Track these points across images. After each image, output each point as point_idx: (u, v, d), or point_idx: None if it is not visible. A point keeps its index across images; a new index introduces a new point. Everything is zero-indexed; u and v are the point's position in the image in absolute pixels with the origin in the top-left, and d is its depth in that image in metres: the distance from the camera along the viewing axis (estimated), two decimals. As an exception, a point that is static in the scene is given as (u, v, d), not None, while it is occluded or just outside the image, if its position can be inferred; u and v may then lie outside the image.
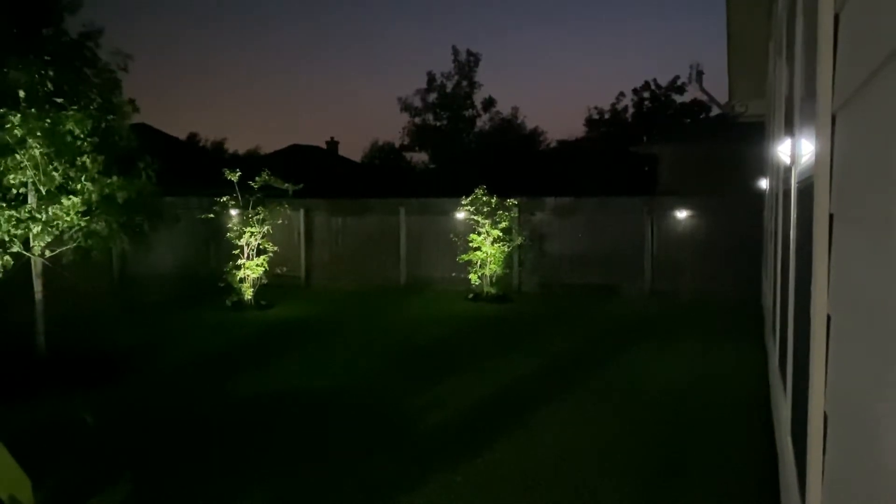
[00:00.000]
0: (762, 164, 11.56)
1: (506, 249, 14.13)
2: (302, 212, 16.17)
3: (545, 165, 33.68)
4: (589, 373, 8.25)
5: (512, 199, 14.38)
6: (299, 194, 13.55)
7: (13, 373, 7.31)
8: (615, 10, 63.37)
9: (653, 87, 37.27)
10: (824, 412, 2.01)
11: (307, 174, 16.20)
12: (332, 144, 38.57)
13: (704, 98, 26.98)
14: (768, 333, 8.00)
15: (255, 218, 13.15)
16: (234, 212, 13.39)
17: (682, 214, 14.18)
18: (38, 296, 7.95)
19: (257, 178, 12.83)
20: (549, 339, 10.43)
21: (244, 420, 6.61)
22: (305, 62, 74.37)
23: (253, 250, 13.19)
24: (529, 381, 7.94)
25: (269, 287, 13.46)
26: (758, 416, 6.30)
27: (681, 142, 22.58)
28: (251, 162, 27.66)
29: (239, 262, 13.06)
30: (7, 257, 7.47)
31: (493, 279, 14.08)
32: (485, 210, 14.06)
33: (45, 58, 7.46)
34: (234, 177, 12.74)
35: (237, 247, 13.13)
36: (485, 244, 13.92)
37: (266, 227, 13.31)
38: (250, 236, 13.11)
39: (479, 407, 6.93)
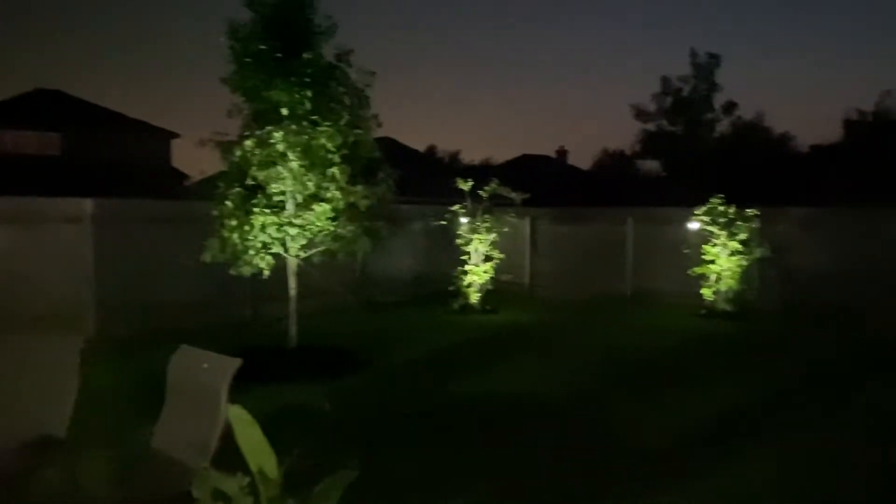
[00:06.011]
0: None
1: (744, 264, 13.14)
2: (528, 220, 16.41)
3: (794, 173, 30.81)
4: (828, 409, 7.39)
5: (752, 209, 13.32)
6: (526, 203, 13.80)
7: (270, 360, 8.28)
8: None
9: (929, 82, 32.51)
10: None
11: (536, 183, 16.44)
12: (562, 153, 38.84)
13: None
14: None
15: (483, 226, 13.61)
16: (463, 219, 13.97)
17: (963, 229, 12.20)
18: (292, 292, 8.91)
19: (486, 188, 13.34)
20: (786, 365, 9.52)
21: (464, 418, 6.87)
22: (540, 70, 75.52)
23: (480, 257, 13.66)
24: (757, 409, 7.29)
25: (493, 293, 13.86)
26: None
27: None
28: (483, 172, 28.55)
29: (467, 267, 13.61)
30: (269, 258, 8.48)
31: (729, 295, 13.18)
32: (721, 220, 13.21)
33: (305, 80, 8.34)
34: (465, 186, 13.36)
35: (466, 253, 13.69)
36: (720, 257, 13.09)
37: (493, 235, 13.71)
38: (478, 243, 13.59)
39: (697, 430, 6.54)
